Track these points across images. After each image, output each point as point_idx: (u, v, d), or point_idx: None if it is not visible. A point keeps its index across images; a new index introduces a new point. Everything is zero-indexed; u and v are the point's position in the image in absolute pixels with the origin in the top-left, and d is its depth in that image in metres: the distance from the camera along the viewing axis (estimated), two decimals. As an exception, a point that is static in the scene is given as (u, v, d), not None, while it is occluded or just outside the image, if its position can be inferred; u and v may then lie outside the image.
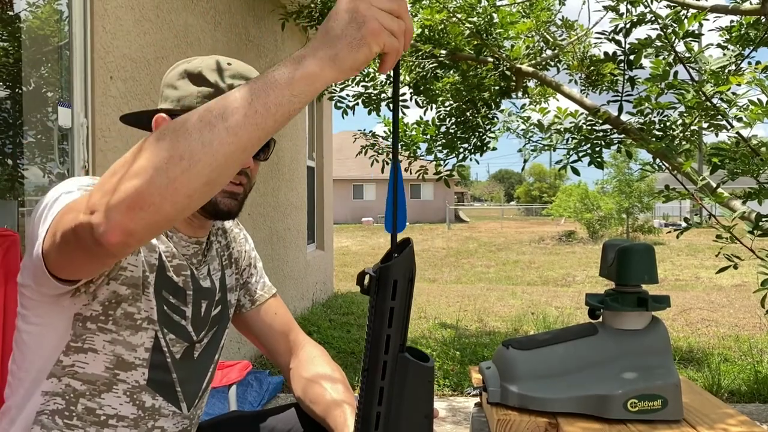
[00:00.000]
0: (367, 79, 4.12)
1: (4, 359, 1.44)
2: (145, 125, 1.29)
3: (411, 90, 4.04)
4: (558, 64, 3.81)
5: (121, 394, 1.14)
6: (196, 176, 0.78)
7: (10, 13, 2.53)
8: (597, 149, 3.02)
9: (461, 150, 3.90)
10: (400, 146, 4.05)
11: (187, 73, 1.21)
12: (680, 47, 2.54)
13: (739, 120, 2.29)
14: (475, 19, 3.54)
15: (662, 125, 2.96)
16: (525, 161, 3.25)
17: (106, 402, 1.13)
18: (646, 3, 2.66)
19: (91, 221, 0.81)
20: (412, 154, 4.03)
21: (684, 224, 2.40)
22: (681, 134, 2.84)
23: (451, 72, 3.87)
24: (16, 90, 2.54)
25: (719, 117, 2.50)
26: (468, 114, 3.89)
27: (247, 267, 1.43)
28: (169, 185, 0.78)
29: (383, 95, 4.11)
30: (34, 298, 1.10)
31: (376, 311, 0.95)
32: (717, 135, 2.66)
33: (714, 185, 2.52)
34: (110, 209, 0.79)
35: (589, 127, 3.16)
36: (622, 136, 3.08)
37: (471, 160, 3.96)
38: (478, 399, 1.62)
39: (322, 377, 1.32)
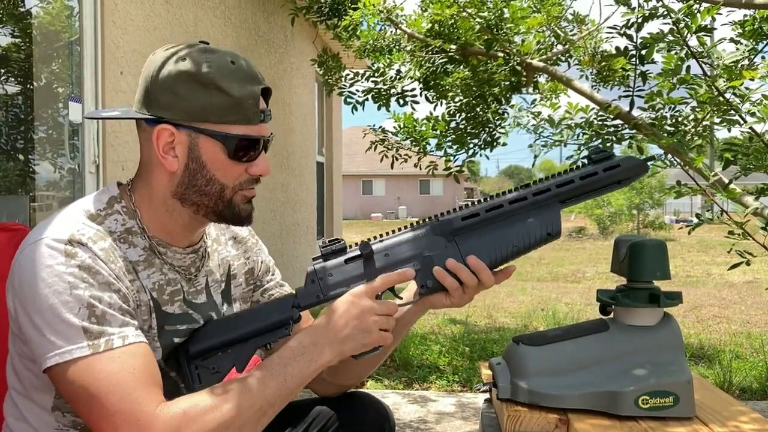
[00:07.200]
0: (377, 75, 4.11)
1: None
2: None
3: (421, 85, 4.03)
4: (569, 60, 3.79)
5: None
6: None
7: (22, 9, 2.54)
8: (608, 145, 3.00)
9: (471, 145, 3.89)
10: (409, 141, 4.05)
11: (191, 76, 1.08)
12: (693, 42, 2.52)
13: (753, 115, 2.26)
14: (485, 13, 3.52)
15: (674, 120, 2.94)
16: (535, 157, 3.23)
17: None
18: (658, -3, 2.63)
19: None
20: (421, 150, 4.02)
21: (695, 220, 2.38)
22: (693, 129, 2.81)
23: (461, 67, 3.85)
24: (28, 86, 2.55)
25: (732, 112, 2.48)
26: (478, 109, 3.87)
27: (265, 273, 1.40)
28: None
29: (393, 90, 4.10)
30: (22, 338, 1.07)
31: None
32: (729, 130, 2.63)
33: (726, 181, 2.50)
34: None
35: (600, 123, 3.14)
36: (634, 131, 3.06)
37: (481, 155, 3.94)
38: (487, 395, 1.62)
39: None
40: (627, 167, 1.22)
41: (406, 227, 1.22)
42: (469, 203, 1.23)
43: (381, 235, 1.21)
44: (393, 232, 1.22)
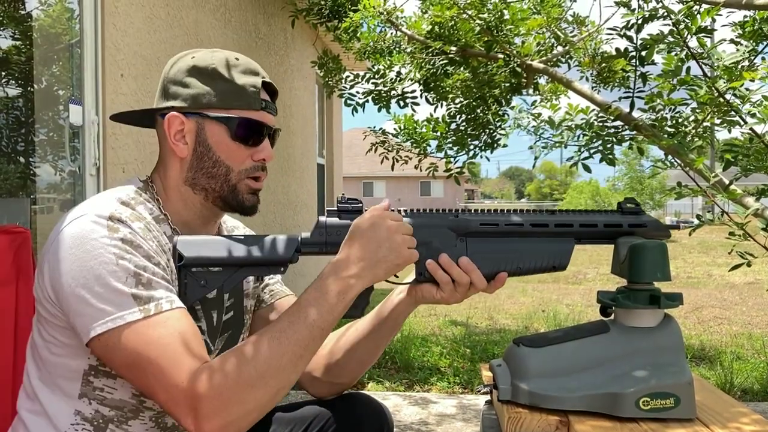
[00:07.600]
0: (377, 76, 4.11)
1: (18, 361, 1.44)
2: (139, 122, 1.31)
3: (421, 87, 4.03)
4: (569, 61, 3.79)
5: (147, 421, 1.14)
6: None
7: (22, 11, 2.54)
8: (608, 146, 3.00)
9: (471, 147, 3.89)
10: (409, 143, 4.05)
11: (198, 69, 1.20)
12: (693, 43, 2.52)
13: (753, 116, 2.26)
14: (485, 15, 3.52)
15: (674, 122, 2.94)
16: (536, 158, 3.23)
17: (133, 429, 1.13)
18: (658, -2, 2.63)
19: (198, 426, 0.97)
20: (422, 152, 4.02)
21: (696, 221, 2.38)
22: (693, 131, 2.81)
23: (462, 69, 3.85)
24: (28, 88, 2.55)
25: (732, 113, 2.48)
26: (478, 111, 3.87)
27: None
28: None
29: (393, 92, 4.10)
30: (54, 322, 1.09)
31: None
32: (730, 131, 2.63)
33: (727, 182, 2.50)
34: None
35: (601, 124, 3.14)
36: (634, 132, 3.06)
37: (481, 157, 3.94)
38: (488, 397, 1.62)
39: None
40: (651, 228, 1.28)
41: (426, 211, 1.24)
42: (493, 210, 1.25)
43: (399, 212, 1.23)
44: (412, 211, 1.23)
